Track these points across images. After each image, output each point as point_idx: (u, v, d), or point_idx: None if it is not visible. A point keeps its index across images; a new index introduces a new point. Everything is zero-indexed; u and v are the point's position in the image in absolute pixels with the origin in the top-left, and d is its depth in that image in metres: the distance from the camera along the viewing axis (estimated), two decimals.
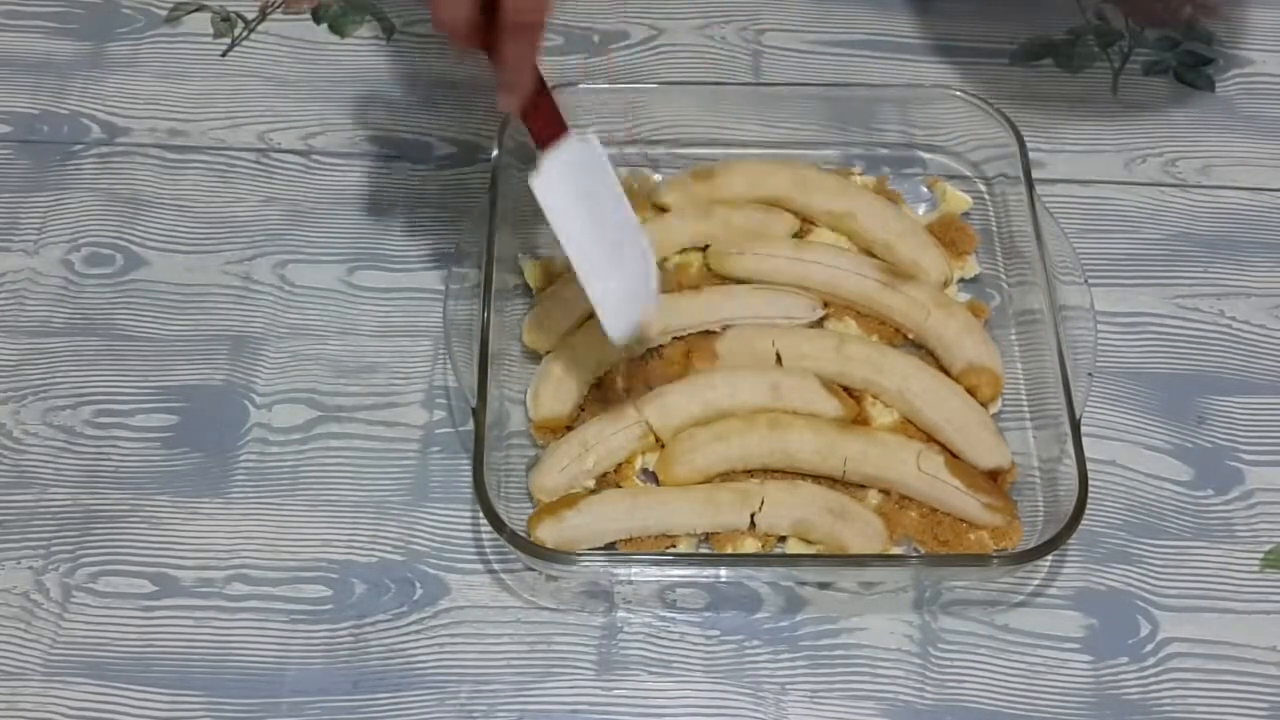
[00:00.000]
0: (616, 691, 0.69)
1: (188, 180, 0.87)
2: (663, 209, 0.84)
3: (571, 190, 0.69)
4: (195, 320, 0.81)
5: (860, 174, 0.87)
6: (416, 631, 0.71)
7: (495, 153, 0.81)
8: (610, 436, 0.73)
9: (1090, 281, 0.78)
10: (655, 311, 0.72)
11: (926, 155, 0.88)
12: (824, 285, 0.80)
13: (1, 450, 0.76)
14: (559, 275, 0.80)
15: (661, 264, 0.81)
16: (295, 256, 0.84)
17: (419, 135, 0.89)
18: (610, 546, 0.72)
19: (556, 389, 0.75)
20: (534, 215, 0.84)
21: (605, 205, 0.70)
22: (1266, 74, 0.94)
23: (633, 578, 0.72)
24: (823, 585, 0.72)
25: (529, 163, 0.85)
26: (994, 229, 0.85)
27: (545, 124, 0.69)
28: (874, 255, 0.82)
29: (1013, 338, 0.80)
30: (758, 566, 0.72)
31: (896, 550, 0.72)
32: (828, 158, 0.87)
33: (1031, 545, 0.69)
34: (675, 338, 0.78)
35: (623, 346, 0.76)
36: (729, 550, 0.72)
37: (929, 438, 0.75)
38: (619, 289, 0.70)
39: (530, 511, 0.72)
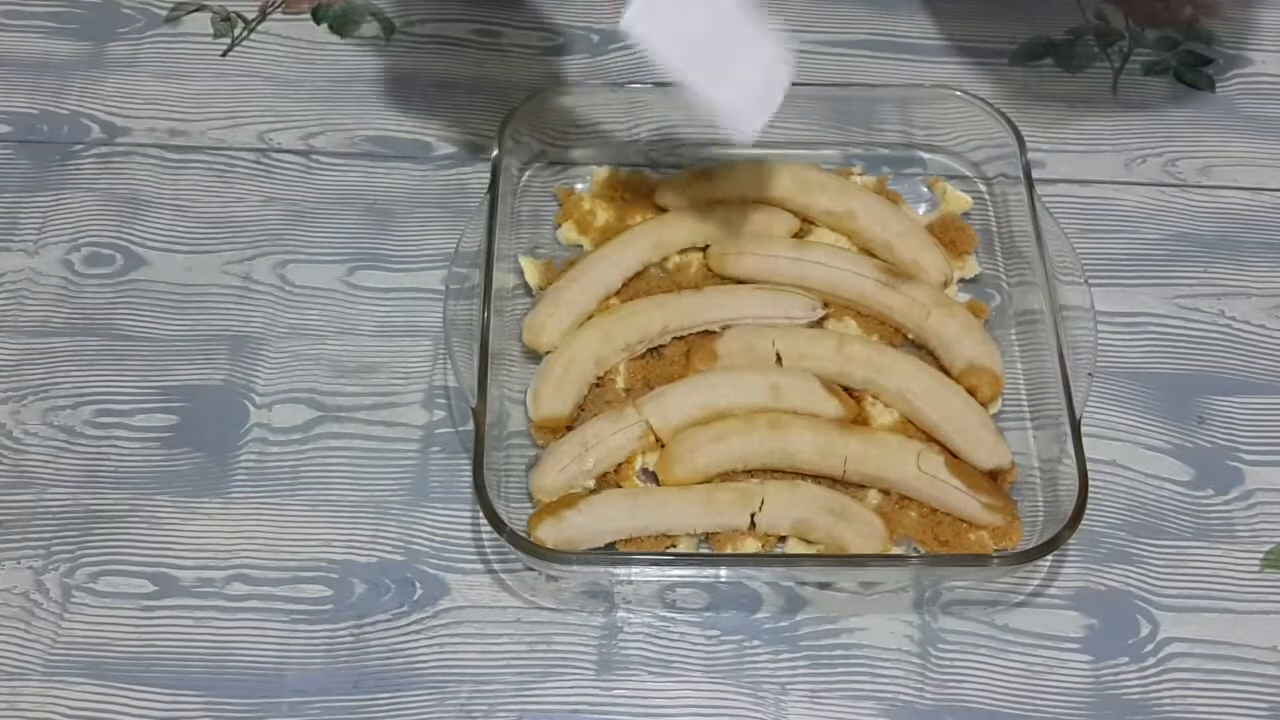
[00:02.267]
0: (616, 691, 0.69)
1: (188, 180, 0.87)
2: (663, 209, 0.84)
3: (667, 10, 0.66)
4: (195, 320, 0.81)
5: (860, 174, 0.87)
6: (416, 631, 0.71)
7: (495, 153, 0.81)
8: (610, 436, 0.73)
9: (1090, 281, 0.78)
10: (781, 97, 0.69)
11: (926, 155, 0.88)
12: (824, 285, 0.80)
13: (1, 450, 0.76)
14: (559, 275, 0.80)
15: (661, 264, 0.82)
16: (295, 256, 0.84)
17: (419, 135, 0.89)
18: (610, 546, 0.72)
19: (556, 389, 0.75)
20: (534, 215, 0.85)
21: (710, 7, 0.67)
22: (1266, 74, 0.94)
23: (633, 578, 0.72)
24: (823, 585, 0.72)
25: (529, 162, 0.86)
26: (994, 229, 0.85)
27: None
28: (874, 255, 0.82)
29: (1013, 338, 0.80)
30: (758, 566, 0.72)
31: (896, 550, 0.72)
32: (828, 158, 0.87)
33: (1031, 545, 0.69)
34: (675, 338, 0.78)
35: (623, 346, 0.77)
36: (729, 550, 0.72)
37: (929, 438, 0.75)
38: (741, 91, 0.67)
39: (530, 511, 0.72)
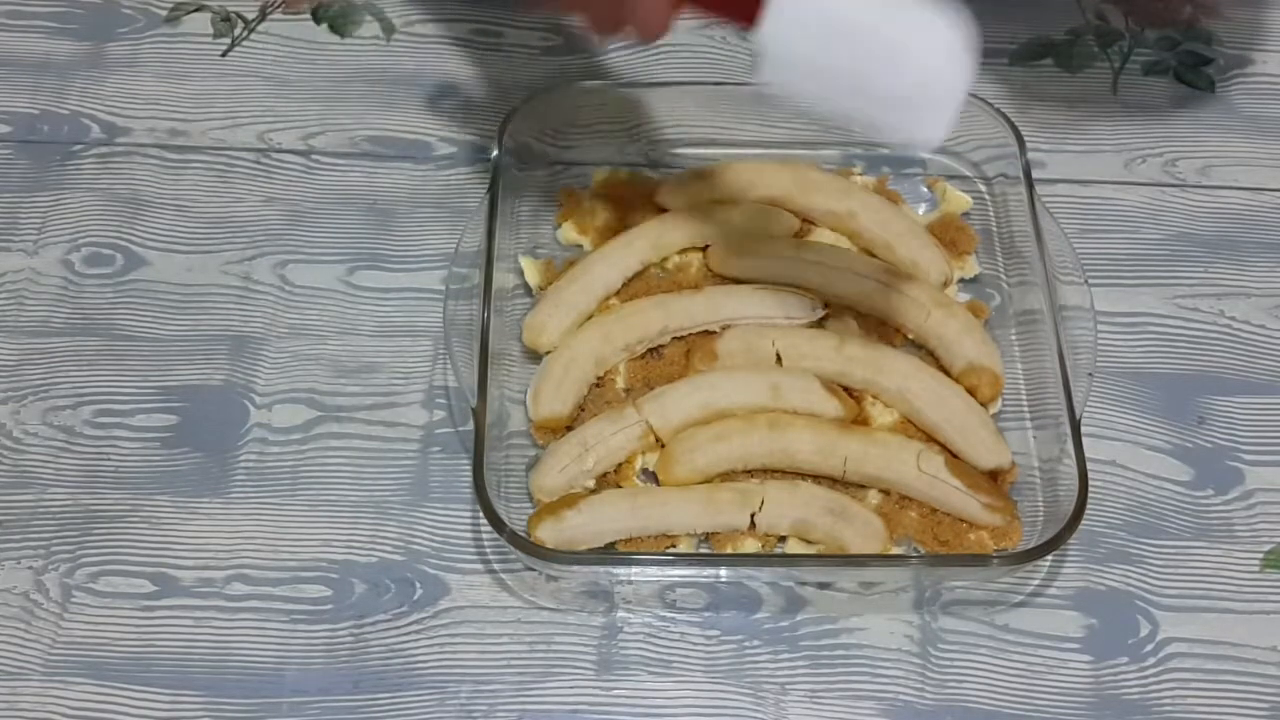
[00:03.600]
0: (616, 691, 0.69)
1: (188, 180, 0.87)
2: (663, 209, 0.84)
3: (803, 48, 0.60)
4: (195, 320, 0.81)
5: (860, 174, 0.87)
6: (416, 631, 0.71)
7: (495, 153, 0.81)
8: (610, 436, 0.73)
9: (1090, 281, 0.78)
10: (968, 77, 0.62)
11: (926, 155, 0.88)
12: (824, 285, 0.80)
13: (1, 450, 0.76)
14: (559, 275, 0.80)
15: (661, 264, 0.82)
16: (295, 256, 0.84)
17: (419, 135, 0.89)
18: (610, 546, 0.72)
19: (556, 389, 0.75)
20: (534, 215, 0.85)
21: (851, 25, 0.60)
22: (1266, 74, 0.94)
23: (633, 578, 0.72)
24: (823, 585, 0.72)
25: (529, 163, 0.86)
26: (994, 229, 0.85)
27: (740, 4, 0.60)
28: (874, 255, 0.82)
29: (1013, 338, 0.80)
30: (758, 566, 0.72)
31: (896, 550, 0.72)
32: (828, 158, 0.87)
33: (1031, 545, 0.70)
34: (675, 338, 0.78)
35: (623, 347, 0.77)
36: (729, 550, 0.72)
37: (929, 438, 0.75)
38: (909, 100, 0.61)
39: (530, 511, 0.72)
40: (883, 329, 0.79)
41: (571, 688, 0.69)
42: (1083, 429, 0.71)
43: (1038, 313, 0.77)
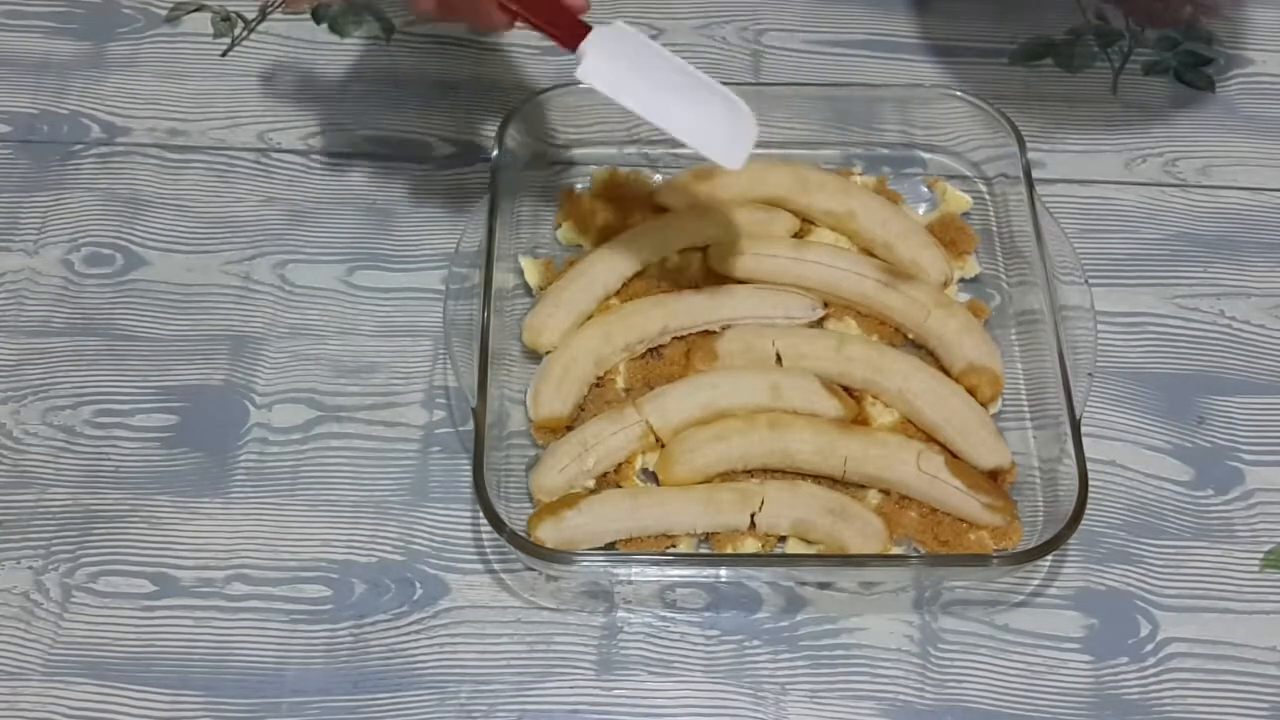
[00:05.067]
0: (616, 691, 0.69)
1: (188, 180, 0.87)
2: (663, 209, 0.84)
3: (620, 67, 0.71)
4: (195, 320, 0.81)
5: (860, 174, 0.87)
6: (416, 631, 0.71)
7: (495, 153, 0.81)
8: (610, 436, 0.73)
9: (1090, 281, 0.78)
10: (756, 131, 0.72)
11: (926, 155, 0.88)
12: (824, 285, 0.80)
13: (1, 450, 0.76)
14: (559, 275, 0.80)
15: (662, 264, 0.82)
16: (295, 256, 0.84)
17: (419, 135, 0.89)
18: (610, 546, 0.72)
19: (556, 389, 0.75)
20: (534, 215, 0.85)
21: (659, 69, 0.71)
22: (1266, 74, 0.94)
23: (633, 578, 0.72)
24: (823, 585, 0.72)
25: (529, 163, 0.86)
26: (994, 229, 0.85)
27: (566, 31, 0.71)
28: (874, 255, 0.82)
29: (1013, 338, 0.80)
30: (758, 566, 0.73)
31: (896, 550, 0.72)
32: (828, 158, 0.87)
33: (1031, 545, 0.70)
34: (675, 338, 0.78)
35: (623, 346, 0.77)
36: (729, 550, 0.72)
37: (929, 438, 0.75)
38: (715, 126, 0.71)
39: (530, 511, 0.72)
40: (883, 329, 0.79)
41: (571, 688, 0.69)
42: (1083, 429, 0.71)
43: (1038, 313, 0.77)
